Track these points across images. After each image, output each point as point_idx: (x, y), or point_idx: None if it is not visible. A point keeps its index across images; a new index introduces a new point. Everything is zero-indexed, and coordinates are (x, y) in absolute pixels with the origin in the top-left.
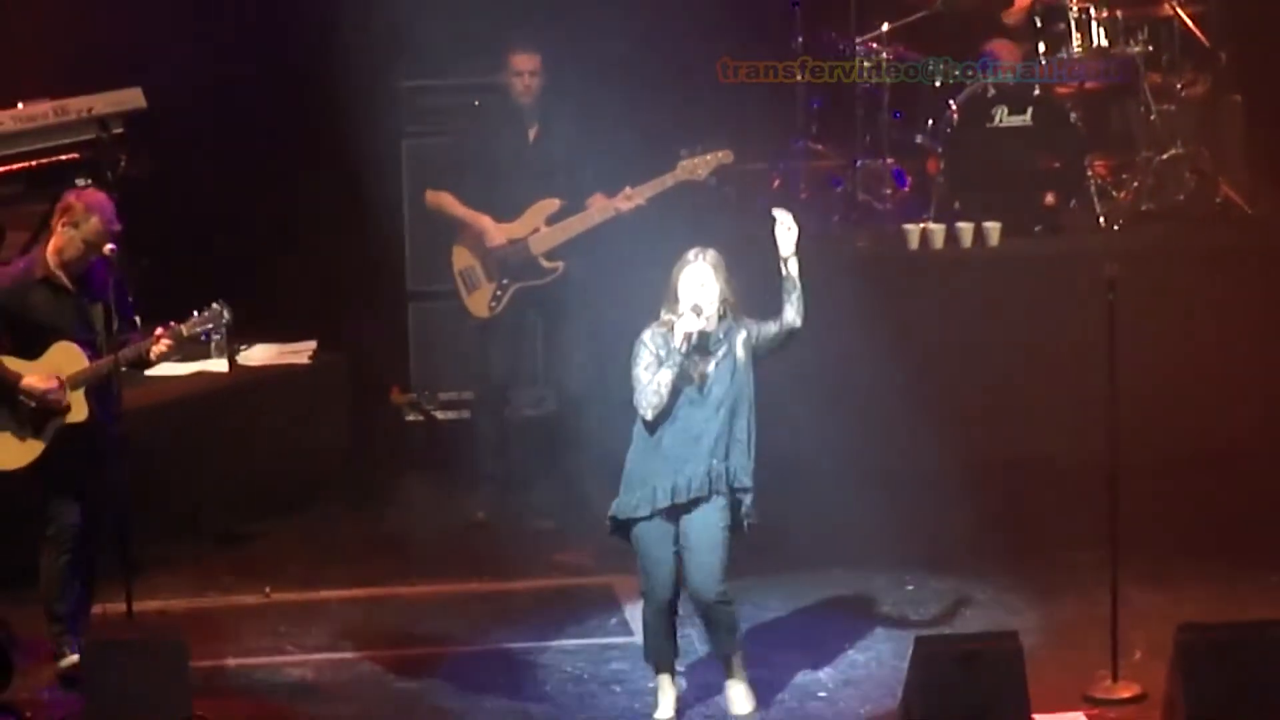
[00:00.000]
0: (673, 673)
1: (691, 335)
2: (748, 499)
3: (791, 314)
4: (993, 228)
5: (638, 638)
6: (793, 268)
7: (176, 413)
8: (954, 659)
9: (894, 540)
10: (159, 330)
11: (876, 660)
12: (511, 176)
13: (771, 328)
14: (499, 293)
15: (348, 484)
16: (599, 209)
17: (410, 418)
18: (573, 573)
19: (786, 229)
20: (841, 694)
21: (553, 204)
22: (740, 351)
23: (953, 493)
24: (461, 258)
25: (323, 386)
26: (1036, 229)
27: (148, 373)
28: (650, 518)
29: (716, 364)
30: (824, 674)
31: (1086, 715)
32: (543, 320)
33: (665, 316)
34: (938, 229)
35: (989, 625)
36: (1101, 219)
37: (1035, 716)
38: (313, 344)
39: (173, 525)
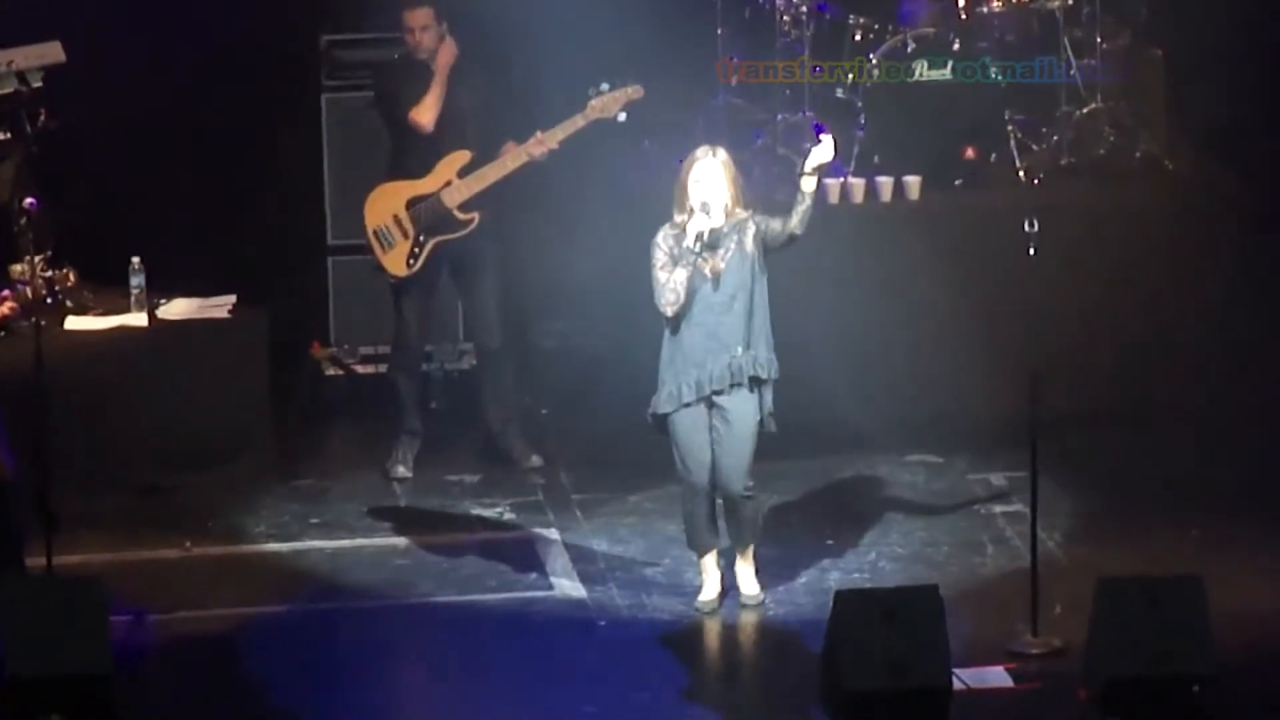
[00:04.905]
0: (716, 556)
1: (703, 234)
2: (768, 395)
3: (795, 221)
4: (913, 181)
5: (558, 591)
6: (809, 185)
7: (95, 367)
8: (874, 613)
9: (814, 495)
10: (4, 292)
11: (797, 615)
12: (420, 131)
13: (777, 224)
14: (416, 249)
15: (268, 438)
16: (511, 156)
17: (330, 372)
18: (493, 527)
19: (823, 149)
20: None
21: (464, 156)
22: (749, 245)
23: (872, 447)
24: (374, 216)
25: (243, 341)
26: (956, 183)
27: (66, 326)
28: (680, 410)
29: (726, 259)
30: None
31: (1007, 669)
32: (459, 273)
33: (677, 218)
34: (857, 183)
35: (909, 579)
36: (1021, 173)
37: (956, 670)
38: (232, 298)
39: (93, 480)
